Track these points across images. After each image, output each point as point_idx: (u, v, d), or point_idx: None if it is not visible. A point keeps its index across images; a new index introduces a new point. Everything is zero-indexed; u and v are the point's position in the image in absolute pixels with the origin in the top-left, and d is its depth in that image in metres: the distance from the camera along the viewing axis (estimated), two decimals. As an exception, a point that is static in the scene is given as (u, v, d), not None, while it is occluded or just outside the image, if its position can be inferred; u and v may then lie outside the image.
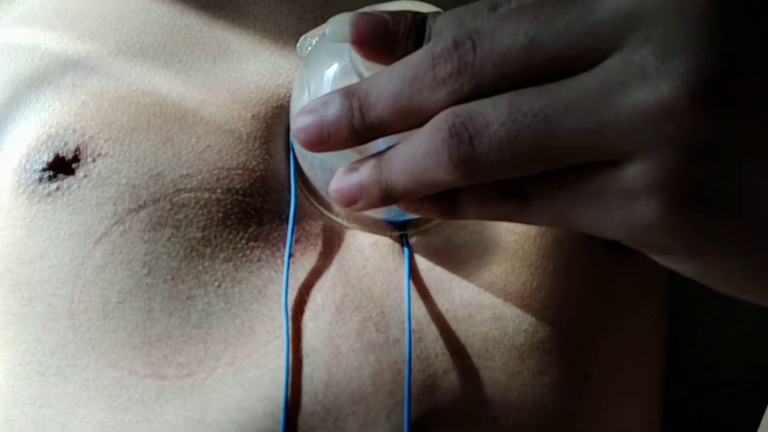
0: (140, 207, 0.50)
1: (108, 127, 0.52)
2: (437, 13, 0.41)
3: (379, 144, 0.42)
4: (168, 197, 0.51)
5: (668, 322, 0.61)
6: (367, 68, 0.43)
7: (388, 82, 0.39)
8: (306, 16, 0.59)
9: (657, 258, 0.40)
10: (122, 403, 0.49)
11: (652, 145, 0.34)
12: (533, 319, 0.52)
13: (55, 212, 0.51)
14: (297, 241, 0.52)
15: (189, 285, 0.50)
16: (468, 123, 0.37)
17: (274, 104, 0.54)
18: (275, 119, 0.54)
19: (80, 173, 0.51)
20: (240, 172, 0.52)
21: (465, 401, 0.50)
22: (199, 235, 0.50)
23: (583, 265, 0.54)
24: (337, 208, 0.53)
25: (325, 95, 0.42)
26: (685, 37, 0.34)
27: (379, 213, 0.52)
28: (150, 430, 0.48)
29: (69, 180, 0.51)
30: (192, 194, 0.51)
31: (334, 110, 0.41)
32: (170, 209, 0.50)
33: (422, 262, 0.52)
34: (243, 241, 0.51)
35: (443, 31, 0.40)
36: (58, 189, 0.51)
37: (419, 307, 0.51)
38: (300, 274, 0.51)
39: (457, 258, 0.52)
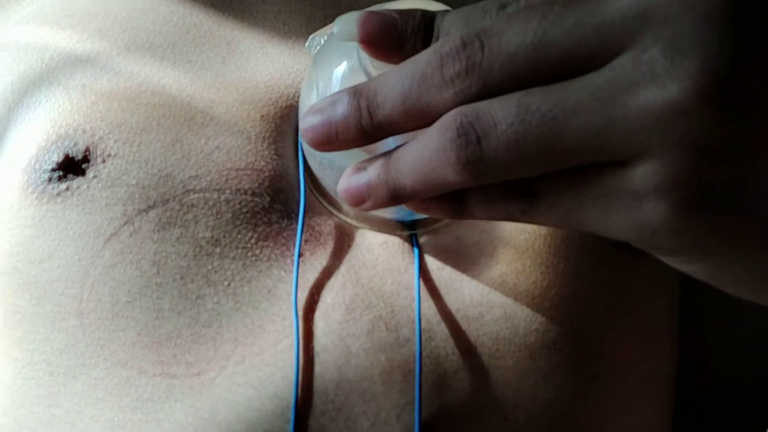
0: (149, 207, 0.50)
1: (118, 128, 0.52)
2: (446, 11, 0.41)
3: (388, 143, 0.42)
4: (177, 198, 0.51)
5: (678, 321, 0.61)
6: (375, 67, 0.43)
7: (396, 81, 0.39)
8: (315, 15, 0.59)
9: (666, 259, 0.40)
10: (131, 402, 0.49)
11: (662, 146, 0.34)
12: (544, 318, 0.52)
13: (65, 212, 0.51)
14: (306, 240, 0.52)
15: (198, 284, 0.50)
16: (476, 123, 0.36)
17: (283, 104, 0.54)
18: (284, 119, 0.54)
19: (90, 174, 0.51)
20: (249, 172, 0.52)
21: (475, 400, 0.50)
22: (208, 235, 0.50)
23: (593, 264, 0.54)
24: (346, 207, 0.53)
25: (333, 94, 0.42)
26: (694, 37, 0.34)
27: (389, 212, 0.52)
28: (159, 430, 0.48)
29: (78, 180, 0.51)
30: (201, 195, 0.51)
31: (342, 110, 0.41)
32: (179, 209, 0.50)
33: (432, 262, 0.52)
34: (252, 241, 0.51)
35: (452, 30, 0.39)
36: (67, 189, 0.51)
37: (429, 307, 0.51)
38: (310, 274, 0.51)
39: (467, 257, 0.52)
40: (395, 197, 0.41)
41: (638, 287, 0.56)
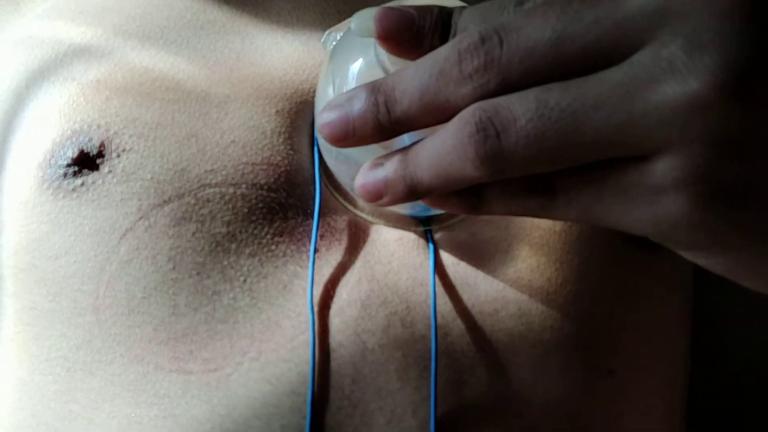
0: (165, 202, 0.50)
1: (132, 123, 0.52)
2: (463, 7, 0.41)
3: (405, 139, 0.42)
4: (192, 192, 0.51)
5: (693, 318, 0.61)
6: (392, 63, 0.43)
7: (414, 77, 0.39)
8: (329, 11, 0.59)
9: (684, 254, 0.40)
10: (148, 398, 0.49)
11: (681, 141, 0.34)
12: (559, 314, 0.52)
13: (80, 208, 0.51)
14: (322, 236, 0.52)
15: (214, 280, 0.50)
16: (495, 118, 0.36)
17: (299, 99, 0.54)
18: (299, 114, 0.54)
19: (105, 169, 0.51)
20: (264, 167, 0.52)
21: (491, 397, 0.50)
22: (224, 230, 0.50)
23: (608, 260, 0.54)
24: (361, 203, 0.53)
25: (351, 90, 0.42)
26: (713, 32, 0.34)
27: (404, 208, 0.52)
28: (176, 426, 0.48)
29: (93, 175, 0.51)
30: (216, 189, 0.51)
31: (359, 105, 0.41)
32: (195, 204, 0.50)
33: (447, 258, 0.52)
34: (268, 237, 0.51)
35: (469, 26, 0.39)
36: (82, 184, 0.51)
37: (445, 303, 0.50)
38: (325, 270, 0.51)
39: (483, 253, 0.52)
40: (413, 193, 0.41)
41: (652, 284, 0.56)
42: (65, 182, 0.51)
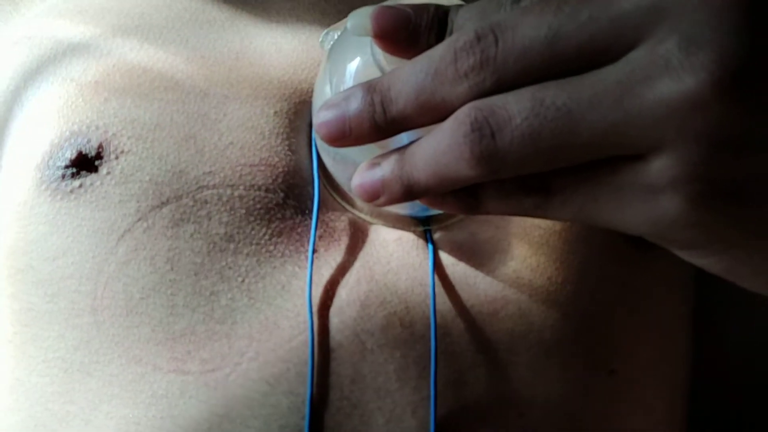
0: (163, 204, 0.50)
1: (131, 124, 0.52)
2: (459, 5, 0.40)
3: (402, 138, 0.42)
4: (191, 194, 0.51)
5: (694, 318, 0.61)
6: (388, 62, 0.43)
7: (410, 76, 0.39)
8: (328, 11, 0.59)
9: (682, 253, 0.40)
10: (146, 398, 0.49)
11: (678, 139, 0.34)
12: (559, 314, 0.52)
13: (78, 209, 0.51)
14: (320, 236, 0.51)
15: (212, 280, 0.50)
16: (490, 117, 0.36)
17: (297, 100, 0.54)
18: (298, 115, 0.54)
19: (103, 170, 0.51)
20: (263, 168, 0.52)
21: (491, 397, 0.49)
22: (222, 231, 0.50)
23: (608, 260, 0.54)
24: (360, 203, 0.53)
25: (347, 90, 0.42)
26: (710, 29, 0.33)
27: (403, 208, 0.52)
28: (174, 426, 0.48)
29: (92, 177, 0.51)
30: (215, 191, 0.51)
31: (355, 105, 0.41)
32: (193, 206, 0.50)
33: (446, 258, 0.52)
34: (266, 237, 0.51)
35: (465, 25, 0.39)
36: (80, 186, 0.51)
37: (444, 303, 0.50)
38: (324, 270, 0.51)
39: (482, 253, 0.52)
40: (409, 193, 0.41)
41: (653, 283, 0.56)
42: (63, 184, 0.51)
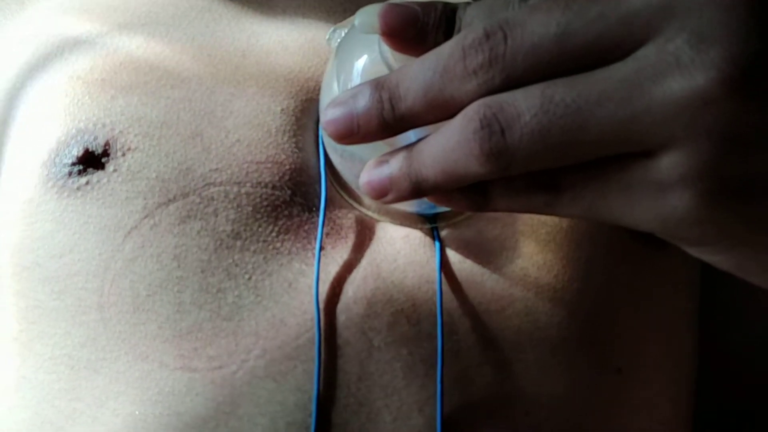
0: (170, 201, 0.50)
1: (138, 122, 0.52)
2: (468, 3, 0.40)
3: (410, 136, 0.42)
4: (197, 191, 0.51)
5: (700, 316, 0.61)
6: (396, 59, 0.43)
7: (418, 73, 0.39)
8: (335, 9, 0.59)
9: (691, 250, 0.40)
10: (153, 395, 0.49)
11: (687, 136, 0.34)
12: (565, 312, 0.52)
13: (85, 206, 0.51)
14: (327, 234, 0.51)
15: (219, 278, 0.50)
16: (499, 114, 0.36)
17: (304, 97, 0.54)
18: (305, 112, 0.54)
19: (110, 167, 0.51)
20: (269, 165, 0.52)
21: (497, 394, 0.49)
22: (228, 228, 0.50)
23: (614, 258, 0.54)
24: (367, 200, 0.53)
25: (355, 87, 0.41)
26: (720, 27, 0.33)
27: (410, 206, 0.51)
28: (180, 423, 0.48)
29: (99, 174, 0.51)
30: (221, 188, 0.51)
31: (363, 102, 0.40)
32: (200, 203, 0.50)
33: (453, 255, 0.52)
34: (273, 234, 0.51)
35: (474, 22, 0.39)
36: (87, 183, 0.51)
37: (451, 300, 0.50)
38: (331, 267, 0.51)
39: (489, 251, 0.52)
40: (418, 190, 0.41)
41: (660, 281, 0.56)
42: (70, 181, 0.51)
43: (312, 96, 0.55)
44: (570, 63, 0.36)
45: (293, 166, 0.52)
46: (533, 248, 0.52)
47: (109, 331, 0.50)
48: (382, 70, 0.43)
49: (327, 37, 0.51)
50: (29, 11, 0.61)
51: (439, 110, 0.39)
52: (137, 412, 0.49)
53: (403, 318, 0.49)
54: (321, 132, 0.53)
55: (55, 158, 0.52)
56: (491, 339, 0.50)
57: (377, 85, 0.40)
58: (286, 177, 0.52)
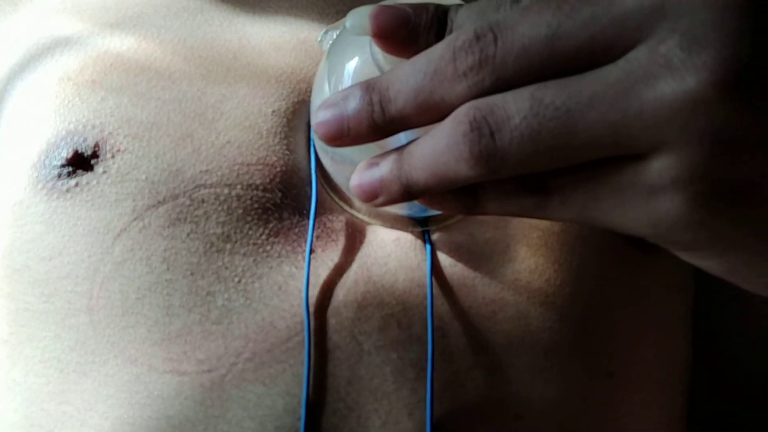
0: (159, 203, 0.50)
1: (127, 123, 0.52)
2: (459, 5, 0.40)
3: (401, 138, 0.42)
4: (187, 193, 0.50)
5: (694, 318, 0.61)
6: (387, 61, 0.43)
7: (409, 75, 0.39)
8: (327, 11, 0.59)
9: (682, 254, 0.39)
10: (142, 399, 0.49)
11: (678, 139, 0.34)
12: (557, 316, 0.51)
13: (74, 208, 0.51)
14: (318, 237, 0.51)
15: (208, 281, 0.50)
16: (489, 117, 0.36)
17: (295, 99, 0.54)
18: (296, 114, 0.54)
19: (99, 169, 0.51)
20: (260, 167, 0.52)
21: (488, 399, 0.49)
22: (218, 230, 0.50)
23: (607, 262, 0.54)
24: (358, 203, 0.53)
25: (346, 89, 0.41)
26: (711, 29, 0.33)
27: (401, 209, 0.51)
28: (169, 427, 0.48)
29: (88, 176, 0.51)
30: (211, 190, 0.51)
31: (354, 104, 0.40)
32: (189, 205, 0.50)
33: (445, 259, 0.52)
34: (263, 237, 0.51)
35: (465, 24, 0.39)
36: (77, 185, 0.51)
37: (442, 304, 0.50)
38: (321, 270, 0.50)
39: (480, 254, 0.52)
40: (408, 192, 0.41)
41: (652, 285, 0.56)
42: (59, 183, 0.51)
43: (303, 98, 0.54)
44: (561, 65, 0.36)
45: (284, 168, 0.52)
46: (525, 252, 0.52)
47: (98, 335, 0.50)
48: (373, 72, 0.43)
49: (318, 38, 0.51)
50: (21, 12, 0.60)
51: (429, 113, 0.39)
52: (126, 416, 0.49)
53: (394, 322, 0.49)
54: (312, 134, 0.53)
55: (44, 160, 0.52)
56: (482, 343, 0.50)
57: (368, 87, 0.40)
58: (277, 179, 0.52)
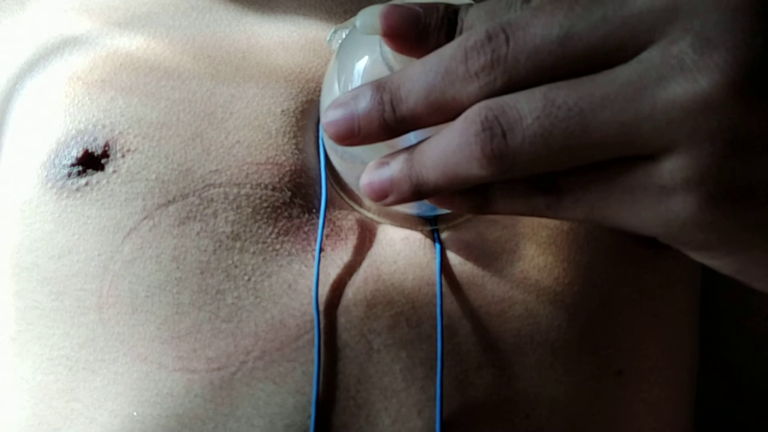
0: (169, 202, 0.50)
1: (137, 123, 0.52)
2: (469, 4, 0.40)
3: (411, 138, 0.42)
4: (197, 192, 0.50)
5: (701, 319, 0.61)
6: (398, 61, 0.43)
7: (420, 74, 0.39)
8: (335, 10, 0.59)
9: (693, 254, 0.39)
10: (151, 397, 0.49)
11: (690, 140, 0.34)
12: (566, 314, 0.51)
13: (84, 207, 0.51)
14: (327, 235, 0.51)
15: (218, 279, 0.50)
16: (501, 117, 0.36)
17: (304, 99, 0.54)
18: (305, 114, 0.54)
19: (109, 168, 0.51)
20: (269, 167, 0.52)
21: (497, 397, 0.49)
22: (228, 229, 0.50)
23: (615, 261, 0.54)
24: (367, 202, 0.53)
25: (356, 88, 0.41)
26: (724, 30, 0.33)
27: (410, 208, 0.51)
28: (179, 425, 0.48)
29: (98, 175, 0.51)
30: (221, 189, 0.51)
31: (364, 103, 0.40)
32: (199, 204, 0.50)
33: (454, 258, 0.52)
34: (273, 236, 0.51)
35: (476, 24, 0.39)
36: (87, 184, 0.51)
37: (451, 303, 0.50)
38: (331, 269, 0.50)
39: (489, 253, 0.52)
40: (418, 192, 0.41)
41: (661, 284, 0.56)
42: (69, 182, 0.51)
43: (312, 97, 0.54)
44: (573, 65, 0.36)
45: (293, 168, 0.52)
46: (534, 251, 0.52)
47: (108, 333, 0.50)
48: (383, 72, 0.43)
49: (328, 38, 0.51)
50: (29, 11, 0.61)
51: (440, 112, 0.39)
52: (135, 414, 0.49)
53: (403, 320, 0.49)
54: (321, 133, 0.53)
55: (54, 159, 0.52)
56: (491, 341, 0.50)
57: (378, 86, 0.40)
58: (286, 178, 0.52)
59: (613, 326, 0.53)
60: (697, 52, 0.33)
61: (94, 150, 0.51)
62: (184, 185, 0.51)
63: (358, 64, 0.46)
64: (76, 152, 0.52)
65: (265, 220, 0.51)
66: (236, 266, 0.50)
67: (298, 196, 0.52)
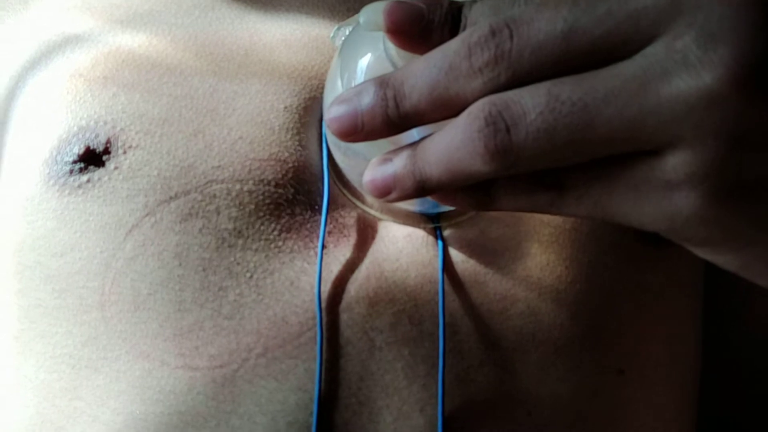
0: (171, 198, 0.50)
1: (139, 119, 0.52)
2: (473, 1, 0.40)
3: (414, 134, 0.42)
4: (199, 189, 0.50)
5: (703, 317, 0.61)
6: (401, 57, 0.43)
7: (423, 71, 0.38)
8: (338, 8, 0.59)
9: (697, 250, 0.39)
10: (153, 394, 0.49)
11: (694, 135, 0.34)
12: (568, 313, 0.51)
13: (86, 204, 0.51)
14: (330, 232, 0.51)
15: (220, 276, 0.50)
16: (505, 112, 0.36)
17: (307, 95, 0.54)
18: (308, 110, 0.54)
19: (111, 165, 0.51)
20: (272, 163, 0.52)
21: (499, 395, 0.49)
22: (230, 226, 0.50)
23: (618, 258, 0.54)
24: (370, 199, 0.53)
25: (359, 84, 0.41)
26: (728, 25, 0.33)
27: (413, 205, 0.51)
28: (181, 422, 0.48)
29: (100, 172, 0.51)
30: (223, 185, 0.51)
31: (368, 99, 0.40)
32: (201, 200, 0.50)
33: (456, 255, 0.52)
34: (275, 233, 0.51)
35: (479, 19, 0.39)
36: (88, 181, 0.51)
37: (453, 300, 0.50)
38: (333, 266, 0.50)
39: (492, 251, 0.52)
40: (421, 188, 0.40)
41: (663, 282, 0.56)
42: (71, 179, 0.51)
43: (315, 94, 0.54)
44: (577, 61, 0.35)
45: (296, 164, 0.52)
46: (536, 249, 0.52)
47: (110, 330, 0.50)
48: (386, 68, 0.43)
49: (331, 34, 0.50)
50: (33, 10, 0.61)
51: (444, 108, 0.38)
52: (138, 411, 0.49)
53: (405, 318, 0.49)
54: (324, 130, 0.53)
55: (56, 156, 0.52)
56: (493, 339, 0.50)
57: (382, 82, 0.40)
58: (289, 175, 0.52)
59: (616, 324, 0.53)
60: (701, 48, 0.33)
61: (95, 147, 0.51)
62: (186, 181, 0.51)
63: (362, 60, 0.46)
64: (78, 149, 0.52)
65: (268, 216, 0.51)
66: (238, 263, 0.50)
67: (301, 193, 0.52)
